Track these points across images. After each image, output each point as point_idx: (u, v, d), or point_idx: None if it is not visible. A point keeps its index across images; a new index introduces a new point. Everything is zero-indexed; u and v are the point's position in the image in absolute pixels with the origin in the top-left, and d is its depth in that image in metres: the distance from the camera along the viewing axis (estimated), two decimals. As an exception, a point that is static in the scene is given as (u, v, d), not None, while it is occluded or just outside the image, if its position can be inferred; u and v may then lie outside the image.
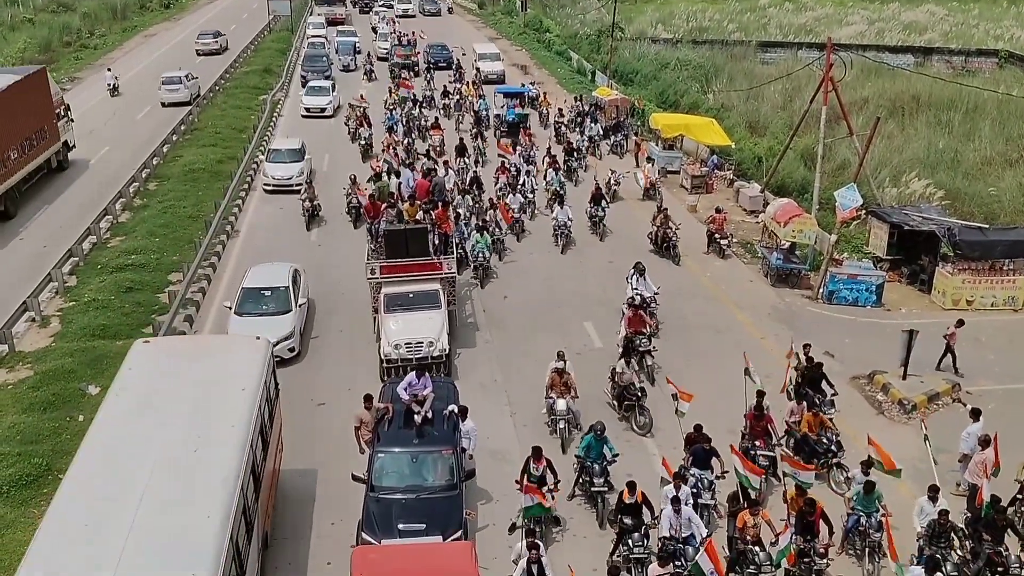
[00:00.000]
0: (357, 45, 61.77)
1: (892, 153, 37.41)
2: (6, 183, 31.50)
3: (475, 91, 46.07)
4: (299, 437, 19.43)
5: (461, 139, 37.32)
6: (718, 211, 30.18)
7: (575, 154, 36.68)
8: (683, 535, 14.83)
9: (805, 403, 18.56)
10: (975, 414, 17.80)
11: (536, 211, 32.14)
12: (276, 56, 62.82)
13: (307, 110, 46.61)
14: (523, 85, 46.49)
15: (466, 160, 35.17)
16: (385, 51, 60.16)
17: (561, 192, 31.73)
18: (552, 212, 30.28)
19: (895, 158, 36.77)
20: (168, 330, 23.27)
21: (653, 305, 23.91)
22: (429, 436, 16.66)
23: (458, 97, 45.93)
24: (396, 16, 74.42)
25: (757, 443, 17.55)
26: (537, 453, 16.31)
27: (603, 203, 30.38)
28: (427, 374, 17.51)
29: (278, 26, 73.98)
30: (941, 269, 26.22)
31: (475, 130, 39.88)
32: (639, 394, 19.63)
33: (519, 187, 32.13)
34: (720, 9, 76.24)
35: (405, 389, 17.10)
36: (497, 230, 28.95)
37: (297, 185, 33.88)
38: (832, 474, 17.65)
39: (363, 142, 39.17)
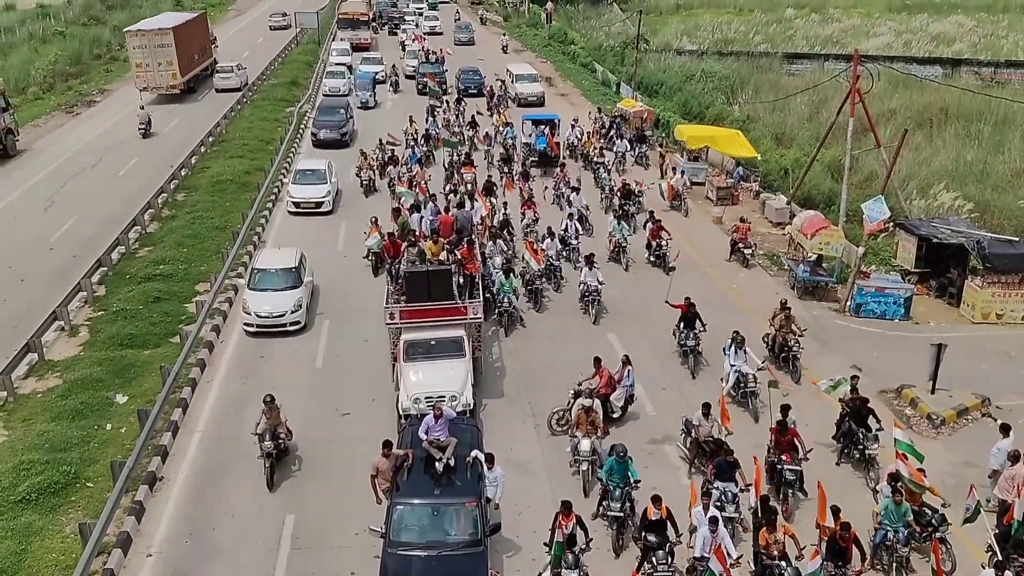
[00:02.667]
0: (379, 75, 56.57)
1: (920, 165, 37.15)
2: (192, 72, 54.60)
3: (502, 118, 42.07)
4: (323, 447, 19.55)
5: (489, 176, 34.31)
6: (742, 220, 30.25)
7: (632, 197, 32.60)
8: None
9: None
10: (1005, 429, 17.54)
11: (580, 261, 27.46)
12: (303, 68, 63.28)
13: (296, 205, 34.45)
14: (571, 127, 41.39)
15: (494, 201, 30.81)
16: (412, 68, 58.22)
17: (624, 245, 28.74)
18: (581, 273, 26.00)
19: (923, 170, 36.51)
20: (195, 340, 23.48)
21: (752, 385, 20.57)
22: (451, 486, 15.59)
23: (493, 129, 41.16)
24: (424, 33, 73.61)
25: (783, 457, 17.34)
26: (567, 508, 15.11)
27: (698, 324, 22.76)
28: (446, 414, 16.57)
29: (305, 39, 74.51)
30: (970, 282, 25.93)
31: (518, 168, 35.82)
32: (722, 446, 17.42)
33: (561, 231, 28.85)
34: (746, 21, 76.20)
35: (426, 432, 16.15)
36: (533, 276, 26.25)
37: (293, 324, 24.50)
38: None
39: (394, 179, 34.64)
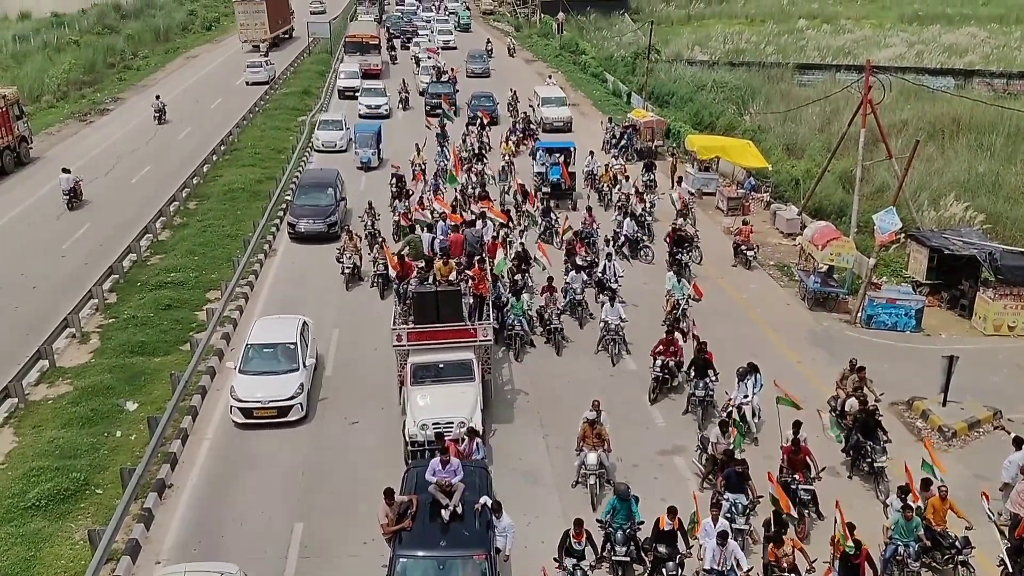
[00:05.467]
0: (382, 108, 50.94)
1: (932, 176, 37.04)
2: (276, 32, 75.24)
3: (509, 147, 39.84)
4: (332, 455, 19.56)
5: (502, 203, 33.38)
6: (744, 223, 30.69)
7: (686, 245, 28.70)
8: (725, 568, 14.44)
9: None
10: (1017, 443, 17.39)
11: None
12: (315, 78, 63.53)
13: (245, 413, 20.56)
14: (590, 154, 38.14)
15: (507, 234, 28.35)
16: (424, 84, 55.68)
17: (684, 305, 24.35)
18: (602, 310, 24.01)
19: (935, 181, 36.40)
20: (205, 348, 23.53)
21: (756, 419, 19.97)
22: (459, 536, 14.39)
23: (505, 160, 37.64)
24: (438, 47, 70.22)
25: (796, 476, 17.02)
26: (578, 526, 14.72)
27: (710, 372, 20.59)
28: (454, 458, 15.48)
29: (317, 48, 74.83)
30: (982, 294, 25.80)
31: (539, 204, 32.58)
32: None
33: (599, 273, 26.45)
34: (758, 31, 76.22)
35: (433, 475, 15.04)
36: (555, 317, 24.22)
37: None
38: (956, 574, 15.31)
39: (401, 212, 31.57)
